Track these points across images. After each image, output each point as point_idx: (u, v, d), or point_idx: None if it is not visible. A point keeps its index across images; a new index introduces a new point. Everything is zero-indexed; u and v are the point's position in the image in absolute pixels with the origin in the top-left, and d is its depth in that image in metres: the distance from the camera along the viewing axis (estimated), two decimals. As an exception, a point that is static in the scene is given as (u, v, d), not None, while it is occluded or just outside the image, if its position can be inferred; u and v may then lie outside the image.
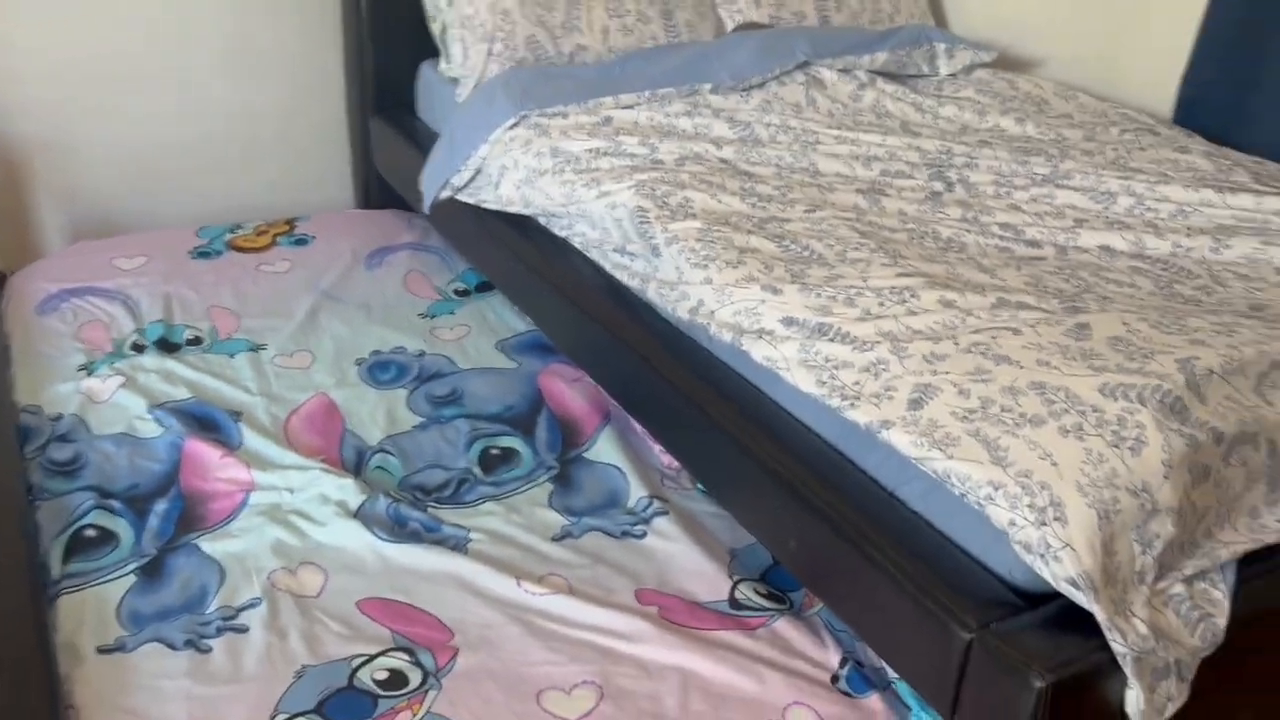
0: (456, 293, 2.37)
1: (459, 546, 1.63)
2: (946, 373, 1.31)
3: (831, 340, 1.41)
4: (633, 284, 1.77)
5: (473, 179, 2.13)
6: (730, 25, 2.55)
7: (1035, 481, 1.15)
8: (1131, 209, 1.86)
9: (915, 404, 1.28)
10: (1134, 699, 1.09)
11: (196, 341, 2.12)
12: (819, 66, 2.37)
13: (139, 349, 2.07)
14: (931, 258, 1.64)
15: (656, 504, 1.74)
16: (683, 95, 2.23)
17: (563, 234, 1.96)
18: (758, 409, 1.53)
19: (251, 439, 1.81)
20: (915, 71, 2.50)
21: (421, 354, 2.11)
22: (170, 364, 2.03)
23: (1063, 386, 1.26)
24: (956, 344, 1.36)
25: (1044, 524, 1.12)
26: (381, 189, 2.72)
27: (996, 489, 1.16)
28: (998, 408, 1.25)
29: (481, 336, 2.19)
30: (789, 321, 1.46)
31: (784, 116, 2.18)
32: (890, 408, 1.30)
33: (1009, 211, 1.84)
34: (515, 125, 2.09)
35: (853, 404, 1.33)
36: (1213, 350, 1.31)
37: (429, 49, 2.55)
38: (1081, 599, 1.09)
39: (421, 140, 2.48)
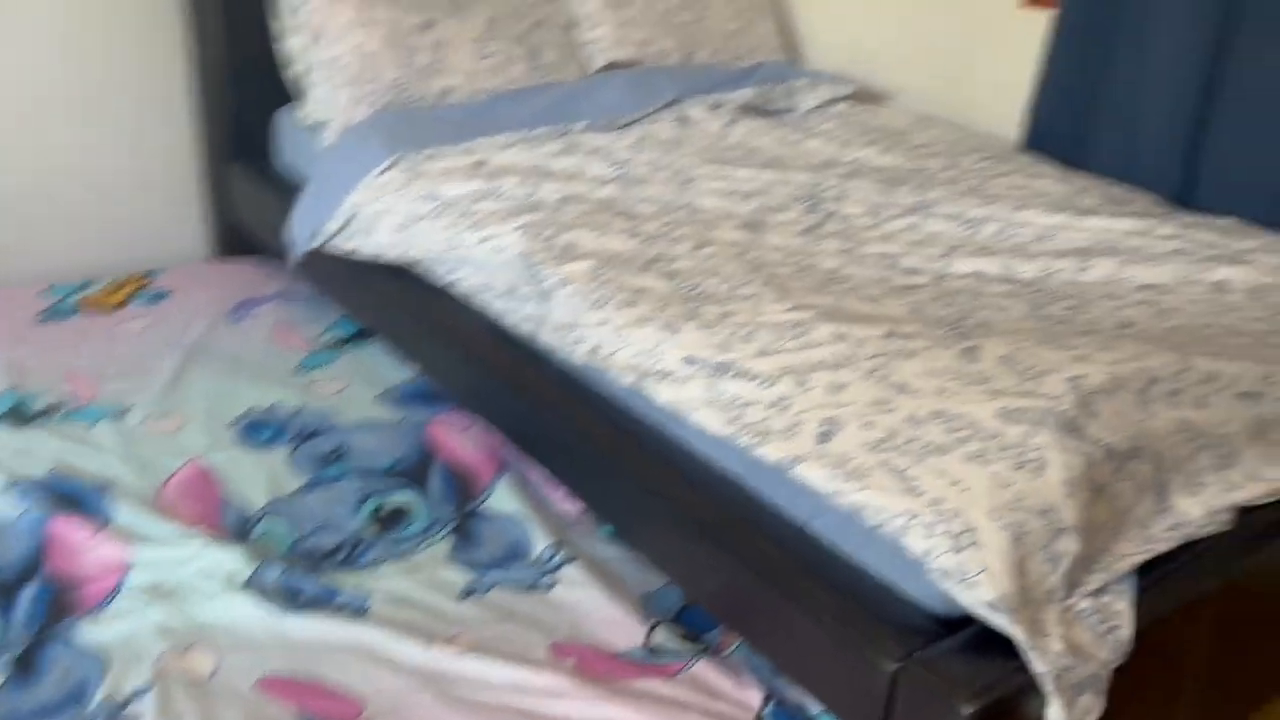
0: (331, 343, 2.29)
1: (360, 612, 1.55)
2: (850, 404, 1.34)
3: (735, 378, 1.42)
4: (525, 328, 1.74)
5: (345, 226, 2.07)
6: (595, 64, 2.56)
7: (948, 508, 1.17)
8: (997, 234, 1.94)
9: (824, 437, 1.30)
10: (1054, 715, 1.12)
11: (52, 410, 1.98)
12: (688, 104, 2.40)
13: (-12, 422, 1.93)
14: (818, 290, 1.67)
15: (562, 552, 1.70)
16: (557, 135, 2.23)
17: (446, 279, 1.92)
18: (664, 449, 1.52)
19: (123, 513, 1.69)
20: (778, 107, 2.56)
21: (299, 410, 2.02)
22: (24, 437, 1.89)
23: (963, 413, 1.30)
24: (856, 375, 1.39)
25: (960, 550, 1.14)
26: (239, 238, 2.61)
27: (912, 518, 1.18)
28: (904, 438, 1.27)
29: (362, 388, 2.12)
30: (690, 360, 1.46)
31: (658, 154, 2.20)
32: (799, 442, 1.31)
33: (884, 241, 1.89)
34: (388, 169, 2.05)
35: (762, 441, 1.33)
36: (1098, 367, 1.37)
37: (285, 93, 2.47)
38: (1001, 622, 1.12)
39: (282, 187, 2.40)
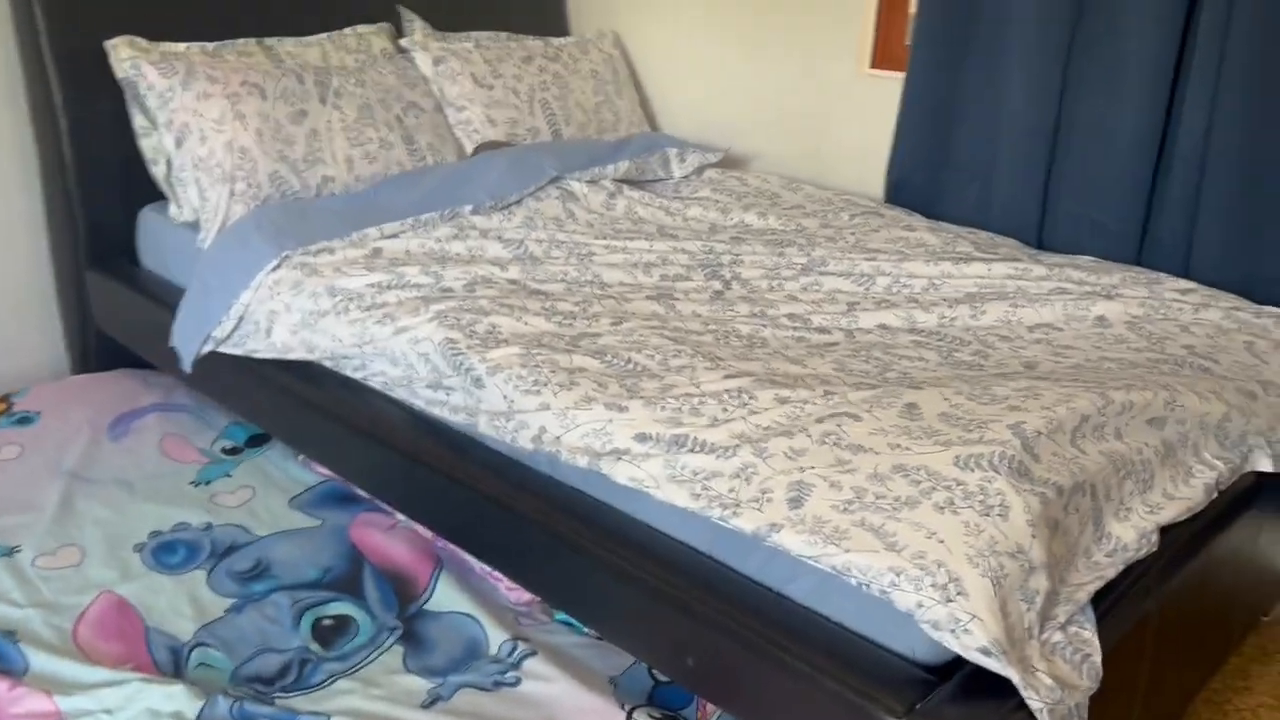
0: (225, 451, 2.17)
1: (324, 736, 1.48)
2: (812, 467, 1.37)
3: (692, 451, 1.43)
4: (455, 419, 1.71)
5: (236, 328, 1.99)
6: (469, 146, 2.56)
7: (931, 561, 1.22)
8: (890, 287, 2.04)
9: (795, 503, 1.33)
10: (1051, 747, 1.17)
11: (-72, 558, 1.80)
12: (569, 180, 2.43)
13: None
14: (744, 356, 1.71)
15: (521, 646, 1.65)
16: (446, 219, 2.21)
17: (356, 375, 1.87)
18: (622, 527, 1.51)
19: (39, 660, 1.55)
20: (653, 176, 2.62)
21: (208, 526, 1.91)
22: (-96, 591, 1.71)
23: (921, 465, 1.35)
24: (810, 437, 1.43)
25: (949, 600, 1.19)
26: (105, 349, 2.45)
27: (898, 574, 1.22)
28: (872, 495, 1.32)
29: (270, 496, 2.01)
30: (643, 438, 1.47)
31: (550, 231, 2.22)
32: (773, 510, 1.33)
33: (789, 302, 1.96)
34: (278, 267, 1.99)
35: (735, 512, 1.35)
36: (1031, 413, 1.45)
37: (146, 193, 2.36)
38: (994, 665, 1.16)
39: (151, 290, 2.28)
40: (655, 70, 3.06)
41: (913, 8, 2.60)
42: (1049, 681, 1.20)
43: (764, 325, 1.85)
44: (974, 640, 1.17)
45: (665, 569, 1.44)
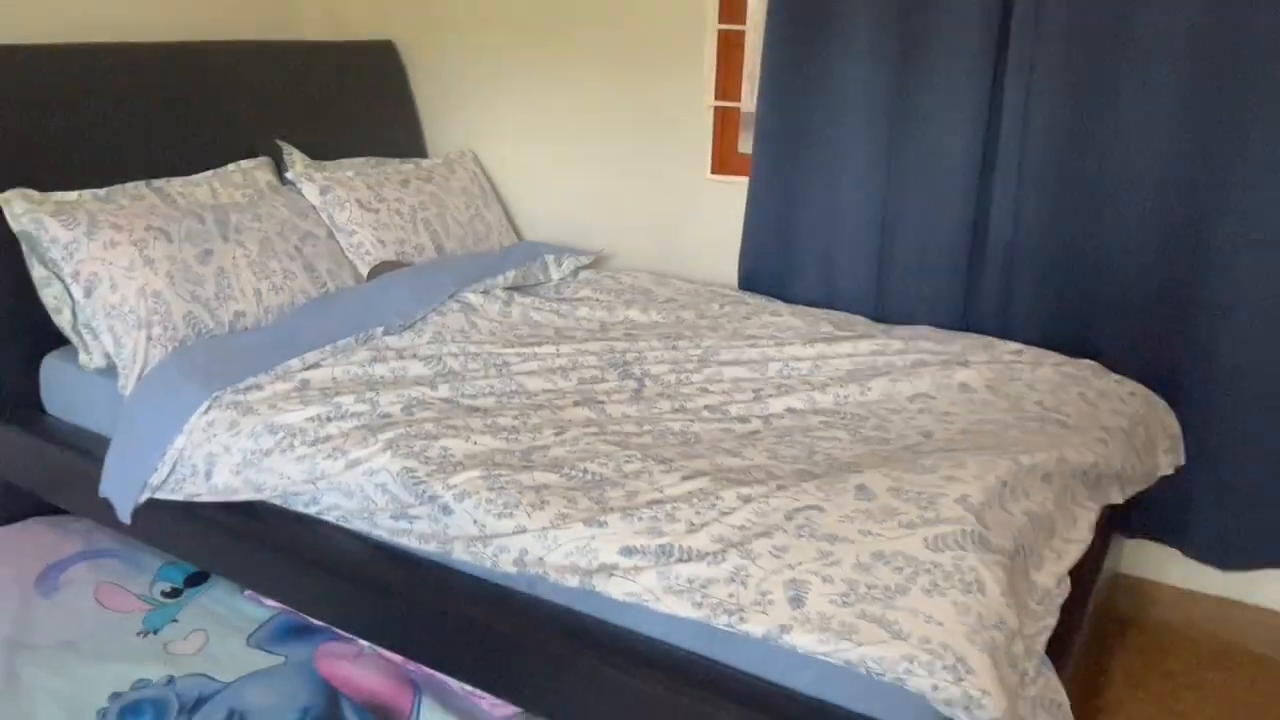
0: (165, 594, 1.86)
1: None
2: (800, 563, 1.30)
3: (682, 561, 1.33)
4: (425, 547, 1.53)
5: (171, 473, 1.73)
6: (364, 267, 2.37)
7: (937, 645, 1.17)
8: (782, 371, 2.01)
9: (796, 602, 1.25)
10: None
11: None
12: (465, 293, 2.28)
13: None
14: (687, 454, 1.62)
15: None
16: (361, 343, 2.02)
17: (308, 510, 1.66)
18: (616, 638, 1.39)
19: None
20: (534, 281, 2.51)
21: (170, 680, 1.61)
22: None
23: (897, 551, 1.31)
24: (786, 533, 1.36)
25: (960, 679, 1.14)
26: (9, 500, 2.08)
27: (911, 661, 1.16)
28: (864, 586, 1.26)
29: (225, 637, 1.73)
30: (629, 551, 1.36)
31: (460, 344, 2.06)
32: (777, 612, 1.25)
33: (702, 394, 1.89)
34: (209, 409, 1.75)
35: (741, 618, 1.26)
36: (968, 484, 1.44)
37: (42, 340, 2.04)
38: (1005, 732, 1.13)
39: (62, 438, 1.97)
40: (512, 184, 2.95)
41: (742, 122, 2.64)
42: (1046, 738, 1.17)
43: (691, 420, 1.77)
44: (987, 714, 1.13)
45: (666, 675, 1.32)
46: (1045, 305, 2.22)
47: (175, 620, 1.78)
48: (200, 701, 1.57)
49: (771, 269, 2.54)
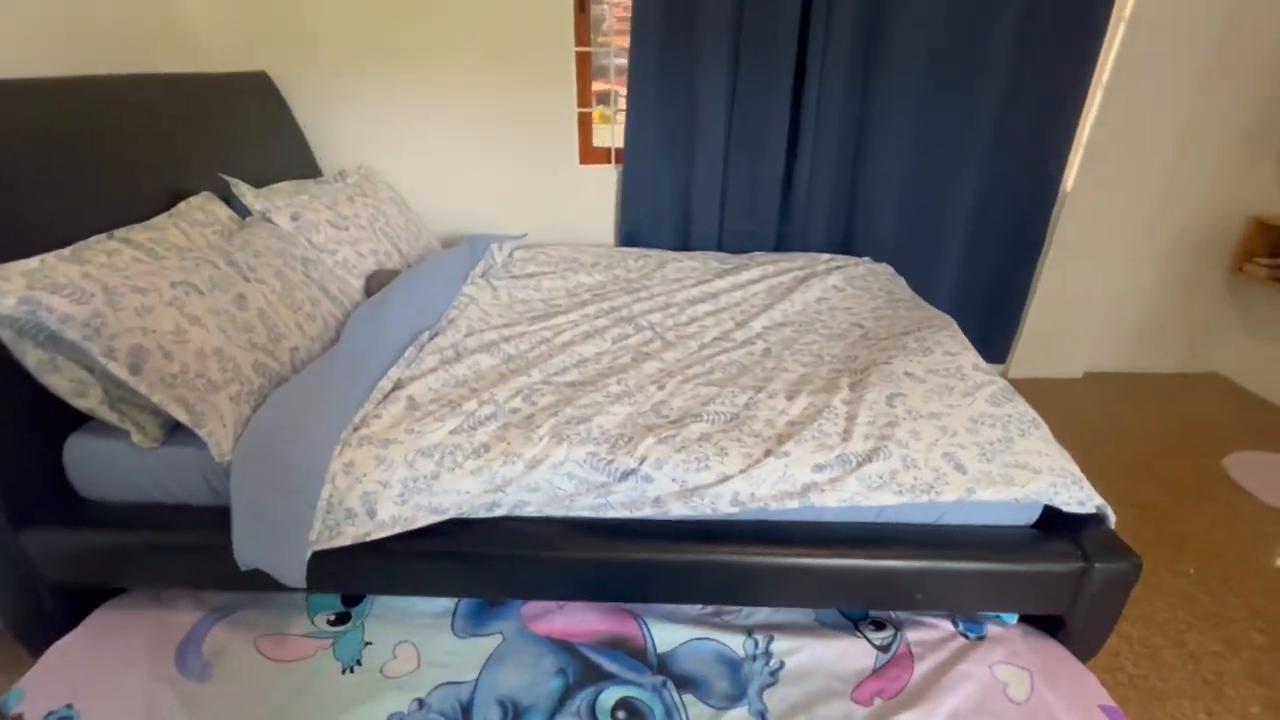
0: (331, 622, 1.16)
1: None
2: (937, 440, 1.13)
3: (863, 463, 1.08)
4: (636, 514, 1.09)
5: (322, 524, 1.07)
6: (356, 281, 1.62)
7: (1058, 469, 1.08)
8: (728, 302, 1.73)
9: (960, 469, 1.08)
10: None
11: None
12: (465, 287, 1.67)
13: None
14: (761, 378, 1.33)
15: (759, 637, 1.13)
16: (419, 349, 1.39)
17: (489, 514, 1.11)
18: (806, 530, 1.11)
19: None
20: (489, 265, 1.91)
21: (420, 704, 1.01)
22: None
23: (982, 413, 1.19)
24: (905, 420, 1.16)
25: (1080, 484, 1.06)
26: (64, 603, 1.15)
27: (1053, 486, 1.06)
28: (987, 444, 1.12)
29: (430, 639, 1.12)
30: (819, 468, 1.08)
31: (495, 330, 1.51)
32: (954, 479, 1.07)
33: (702, 331, 1.57)
34: (341, 451, 1.09)
35: (936, 492, 1.06)
36: (958, 354, 1.33)
37: (53, 425, 1.12)
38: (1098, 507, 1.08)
39: (110, 519, 1.13)
40: (409, 190, 2.20)
41: (596, 123, 2.18)
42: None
43: (721, 351, 1.46)
44: (1095, 502, 1.07)
45: (856, 543, 1.09)
46: (830, 227, 2.15)
47: (368, 643, 1.13)
48: (467, 708, 1.02)
49: (644, 229, 2.19)
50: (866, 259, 2.03)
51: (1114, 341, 2.46)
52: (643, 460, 1.08)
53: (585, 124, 2.17)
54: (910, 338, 1.43)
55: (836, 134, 1.99)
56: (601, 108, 2.17)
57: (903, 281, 1.91)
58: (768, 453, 1.09)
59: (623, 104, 2.03)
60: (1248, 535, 1.61)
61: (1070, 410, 2.22)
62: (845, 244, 2.16)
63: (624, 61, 2.00)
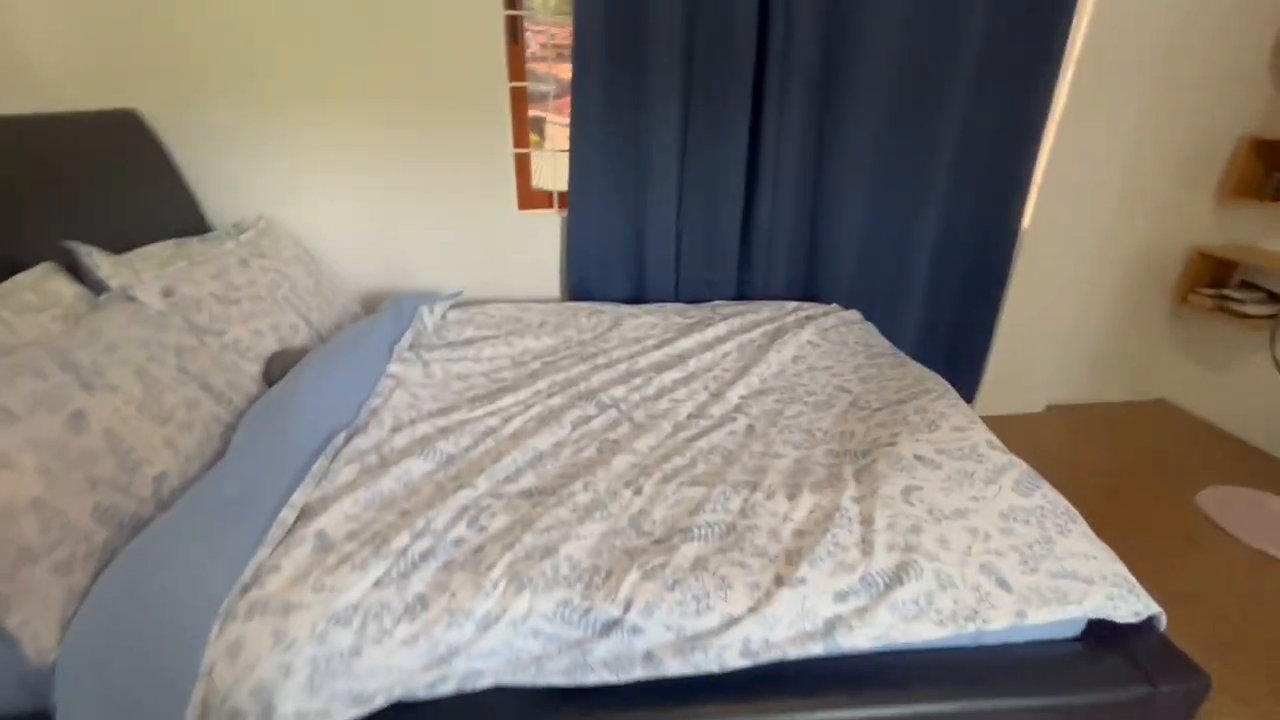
0: None
1: None
2: (969, 548, 0.95)
3: (890, 586, 0.90)
4: (621, 676, 0.85)
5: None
6: (251, 367, 1.31)
7: (1109, 574, 0.92)
8: (696, 366, 1.54)
9: (1003, 585, 0.91)
10: None
11: None
12: (391, 367, 1.40)
13: None
14: (752, 470, 1.14)
15: None
16: (331, 458, 1.10)
17: (431, 694, 0.85)
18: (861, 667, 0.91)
19: None
20: (422, 334, 1.64)
21: None
22: None
23: (1010, 506, 1.02)
24: (926, 521, 0.99)
25: (1135, 593, 0.92)
26: None
27: (1110, 599, 0.90)
28: (1025, 547, 0.96)
29: None
30: (841, 596, 0.89)
31: (425, 422, 1.24)
32: (1000, 600, 0.90)
33: (675, 406, 1.36)
34: (221, 628, 0.80)
35: (983, 619, 0.88)
36: (968, 431, 1.18)
37: None
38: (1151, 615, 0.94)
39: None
40: (318, 243, 1.90)
41: (535, 165, 1.96)
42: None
43: (698, 434, 1.25)
44: (1151, 611, 0.92)
45: (882, 681, 0.90)
46: (791, 269, 2.01)
47: None
48: None
49: (593, 279, 1.97)
50: (835, 306, 1.89)
51: (1070, 374, 2.43)
52: (628, 605, 0.85)
53: (523, 165, 1.94)
54: (909, 408, 1.27)
55: (795, 174, 1.86)
56: (534, 136, 1.95)
57: (875, 330, 1.78)
58: (778, 580, 0.89)
59: (554, 133, 1.83)
60: (1244, 588, 1.54)
61: (1039, 447, 2.16)
62: (808, 286, 2.02)
63: (548, 88, 1.80)
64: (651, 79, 1.72)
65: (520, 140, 1.89)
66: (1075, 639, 0.95)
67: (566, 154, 1.82)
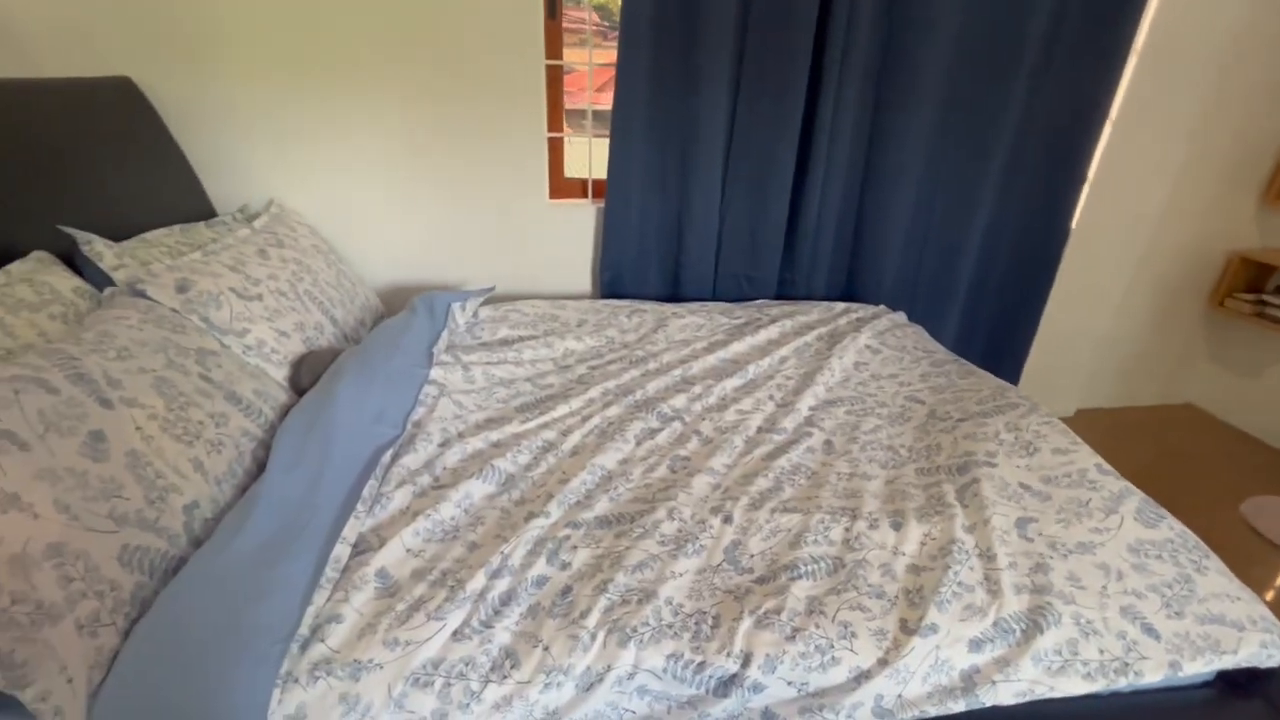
0: None
1: None
2: (1104, 587, 0.87)
3: (1028, 632, 0.81)
4: None
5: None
6: (277, 372, 1.16)
7: (1256, 618, 0.84)
8: (755, 372, 1.43)
9: (1150, 631, 0.83)
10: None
11: None
12: (431, 373, 1.26)
13: None
14: (842, 494, 1.04)
15: None
16: (381, 479, 0.98)
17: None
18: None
19: None
20: (454, 333, 1.50)
21: None
22: None
23: (1139, 539, 0.94)
24: (1047, 555, 0.90)
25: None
26: None
27: (1265, 646, 0.82)
28: (1164, 588, 0.87)
29: None
30: (977, 644, 0.79)
31: (477, 436, 1.12)
32: (1150, 650, 0.81)
33: (743, 418, 1.26)
34: (282, 694, 0.68)
35: (1135, 672, 0.79)
36: (1071, 453, 1.09)
37: None
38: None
39: None
40: (333, 231, 1.74)
41: (568, 152, 1.82)
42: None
43: (775, 451, 1.14)
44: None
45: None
46: (835, 270, 1.91)
47: None
48: None
49: (628, 274, 1.85)
50: (883, 308, 1.80)
51: (1100, 377, 2.39)
52: (746, 659, 0.75)
53: (556, 151, 1.80)
54: (998, 423, 1.18)
55: (845, 168, 1.75)
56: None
57: (925, 333, 1.69)
58: (905, 627, 0.79)
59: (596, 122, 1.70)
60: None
61: (1077, 456, 2.10)
62: (849, 285, 1.93)
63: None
64: (700, 59, 1.59)
65: (554, 123, 1.75)
66: (1207, 683, 0.88)
67: (602, 140, 1.69)
